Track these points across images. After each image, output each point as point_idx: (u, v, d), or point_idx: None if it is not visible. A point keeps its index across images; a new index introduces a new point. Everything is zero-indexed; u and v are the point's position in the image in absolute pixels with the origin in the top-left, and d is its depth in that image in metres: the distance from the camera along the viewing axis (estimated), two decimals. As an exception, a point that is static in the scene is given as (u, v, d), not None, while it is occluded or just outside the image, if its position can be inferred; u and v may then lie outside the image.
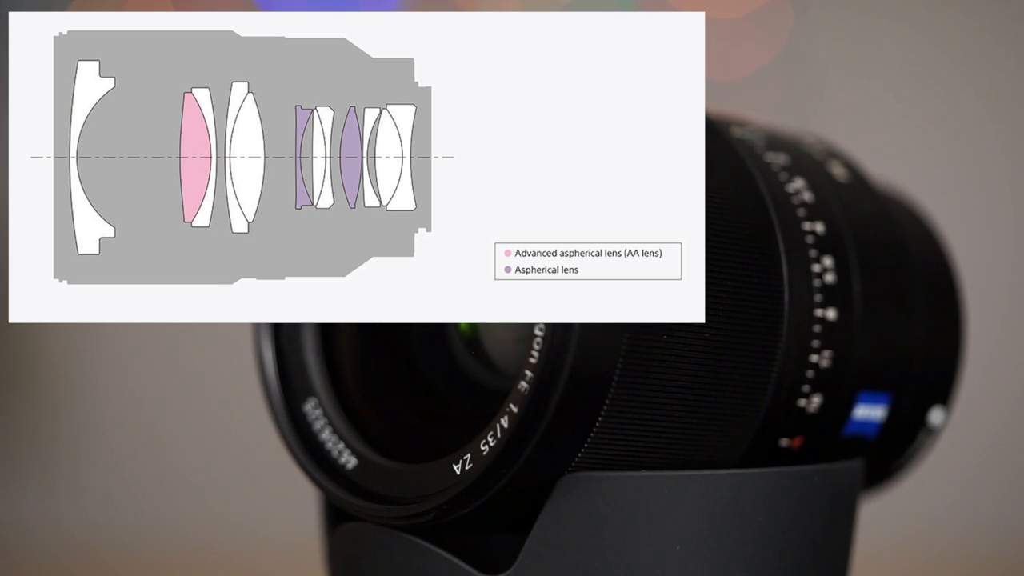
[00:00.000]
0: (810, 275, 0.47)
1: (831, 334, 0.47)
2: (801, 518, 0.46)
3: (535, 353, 0.44)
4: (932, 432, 0.53)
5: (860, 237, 0.49)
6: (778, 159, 0.49)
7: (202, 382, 1.31)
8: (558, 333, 0.43)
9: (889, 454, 0.52)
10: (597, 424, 0.44)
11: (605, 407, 0.44)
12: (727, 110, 0.52)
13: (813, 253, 0.47)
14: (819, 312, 0.47)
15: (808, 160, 0.50)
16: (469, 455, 0.45)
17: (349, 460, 0.49)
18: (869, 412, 0.49)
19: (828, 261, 0.48)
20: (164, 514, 1.29)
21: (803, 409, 0.47)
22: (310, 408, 0.50)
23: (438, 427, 0.50)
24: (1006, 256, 1.27)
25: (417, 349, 0.51)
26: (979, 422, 1.18)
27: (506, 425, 0.44)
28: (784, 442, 0.47)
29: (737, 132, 0.49)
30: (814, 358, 0.47)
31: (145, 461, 1.32)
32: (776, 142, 0.50)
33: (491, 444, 0.44)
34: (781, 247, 0.47)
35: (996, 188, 1.28)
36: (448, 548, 0.47)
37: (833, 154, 0.52)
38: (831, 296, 0.47)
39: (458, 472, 0.45)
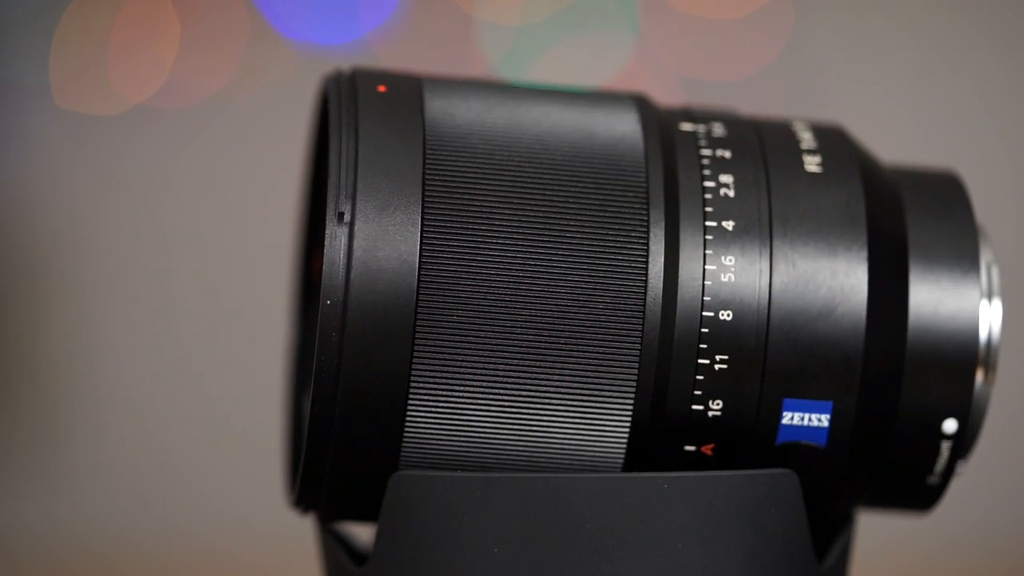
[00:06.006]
0: (703, 274, 0.46)
1: (725, 336, 0.46)
2: (658, 527, 0.44)
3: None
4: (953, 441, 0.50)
5: (800, 236, 0.47)
6: (718, 153, 0.48)
7: (202, 382, 1.31)
8: (333, 321, 0.43)
9: (913, 471, 0.50)
10: (407, 419, 0.43)
11: (411, 402, 0.43)
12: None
13: (710, 251, 0.47)
14: (708, 313, 0.46)
15: (768, 152, 0.48)
16: None
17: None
18: (807, 418, 0.47)
19: (728, 260, 0.47)
20: (164, 514, 1.29)
21: (703, 413, 0.46)
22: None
23: None
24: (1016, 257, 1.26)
25: None
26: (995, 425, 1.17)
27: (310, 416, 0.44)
28: (690, 448, 0.47)
29: (686, 127, 0.49)
30: (703, 360, 0.46)
31: (145, 461, 1.32)
32: (735, 136, 0.49)
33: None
34: (650, 246, 0.46)
35: (1001, 189, 1.28)
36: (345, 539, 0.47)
37: (826, 143, 0.50)
38: (727, 297, 0.46)
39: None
